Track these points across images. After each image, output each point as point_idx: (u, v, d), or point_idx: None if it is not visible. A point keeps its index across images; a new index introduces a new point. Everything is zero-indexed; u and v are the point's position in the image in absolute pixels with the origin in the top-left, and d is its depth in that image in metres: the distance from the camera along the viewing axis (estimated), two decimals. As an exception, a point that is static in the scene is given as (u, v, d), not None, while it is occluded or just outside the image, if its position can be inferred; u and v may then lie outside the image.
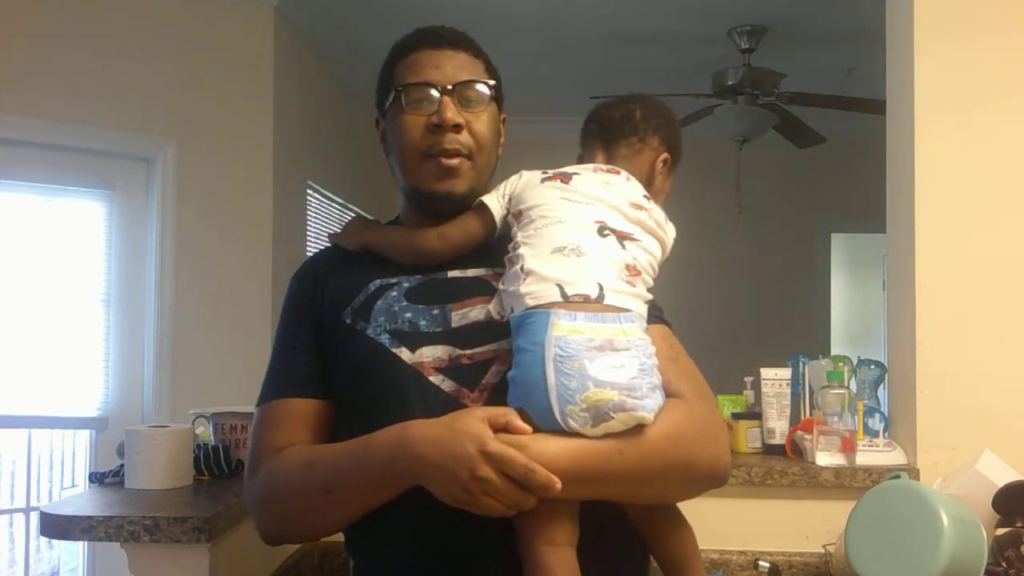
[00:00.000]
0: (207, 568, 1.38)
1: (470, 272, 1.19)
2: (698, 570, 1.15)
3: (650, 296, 1.13)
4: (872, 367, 2.05)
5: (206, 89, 3.45)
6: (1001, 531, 1.54)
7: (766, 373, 2.01)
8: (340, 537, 1.44)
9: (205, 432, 1.75)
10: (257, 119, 3.61)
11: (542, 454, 0.97)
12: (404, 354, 1.12)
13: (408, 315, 1.14)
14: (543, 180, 1.17)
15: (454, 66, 1.20)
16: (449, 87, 1.18)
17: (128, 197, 3.34)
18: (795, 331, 5.36)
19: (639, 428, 1.01)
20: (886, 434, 1.98)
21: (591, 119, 1.29)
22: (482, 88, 1.21)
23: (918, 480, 1.80)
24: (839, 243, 6.24)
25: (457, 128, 1.17)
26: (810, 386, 2.03)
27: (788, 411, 2.00)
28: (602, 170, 1.20)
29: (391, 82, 1.23)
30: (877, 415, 2.00)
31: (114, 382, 3.28)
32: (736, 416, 2.04)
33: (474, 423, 0.98)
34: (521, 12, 3.98)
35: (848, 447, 1.84)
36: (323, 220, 4.61)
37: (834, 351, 5.62)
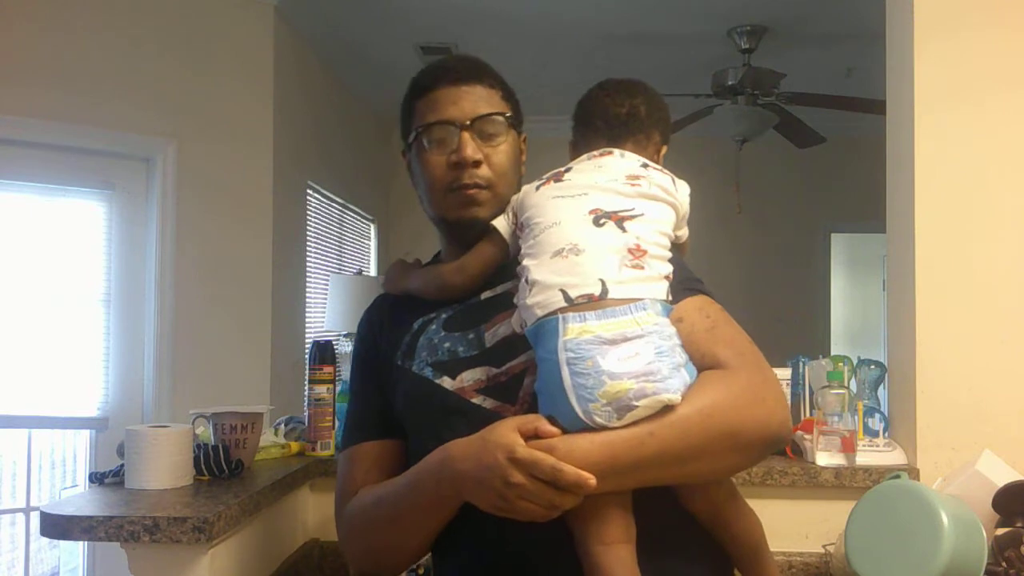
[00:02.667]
0: (207, 568, 1.38)
1: (499, 289, 1.24)
2: (766, 554, 1.17)
3: (667, 269, 1.11)
4: (872, 367, 2.05)
5: (206, 89, 3.45)
6: (1001, 531, 1.54)
7: (766, 373, 2.00)
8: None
9: (205, 432, 1.75)
10: (257, 119, 3.61)
11: (572, 452, 1.00)
12: (446, 382, 1.19)
13: (447, 345, 1.22)
14: (538, 187, 1.19)
15: (471, 101, 1.24)
16: (467, 123, 1.23)
17: (128, 197, 3.34)
18: (795, 331, 5.36)
19: (667, 409, 1.02)
20: (886, 434, 1.98)
21: (595, 114, 1.27)
22: (499, 120, 1.25)
23: (918, 480, 1.80)
24: (839, 243, 6.25)
25: (476, 164, 1.22)
26: (810, 386, 2.03)
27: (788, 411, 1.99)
28: (595, 155, 1.21)
29: (411, 121, 1.28)
30: (877, 415, 2.00)
31: (114, 382, 3.28)
32: (736, 416, 2.04)
33: (504, 433, 1.02)
34: (521, 12, 3.98)
35: (848, 447, 1.84)
36: (323, 220, 4.61)
37: (834, 351, 5.62)
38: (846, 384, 1.91)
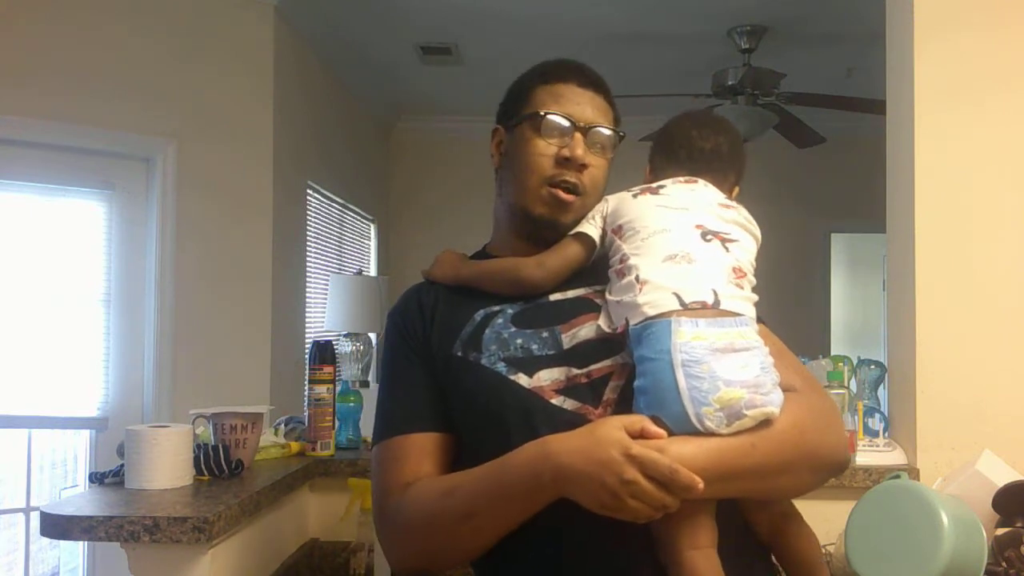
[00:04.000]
0: (207, 568, 1.38)
1: (570, 293, 1.23)
2: (823, 571, 1.19)
3: (756, 297, 1.15)
4: (872, 367, 2.05)
5: (206, 89, 3.45)
6: (1001, 531, 1.54)
7: (766, 373, 2.00)
8: (338, 536, 1.44)
9: (205, 432, 1.75)
10: (257, 119, 3.61)
11: (682, 455, 1.00)
12: (522, 380, 1.15)
13: (519, 341, 1.18)
14: (635, 196, 1.21)
15: (593, 107, 1.26)
16: (587, 126, 1.24)
17: (128, 197, 3.34)
18: (795, 331, 5.35)
19: (767, 423, 1.05)
20: (886, 434, 1.98)
21: (679, 144, 1.28)
22: (612, 136, 1.26)
23: (918, 480, 1.80)
24: (839, 243, 6.25)
25: (582, 167, 1.23)
26: (810, 386, 2.03)
27: (788, 411, 1.99)
28: (680, 181, 1.23)
29: (529, 102, 1.27)
30: (877, 415, 2.00)
31: (114, 382, 3.28)
32: (736, 416, 2.04)
33: (613, 431, 1.01)
34: (521, 12, 3.98)
35: (848, 447, 1.84)
36: (323, 220, 4.61)
37: (834, 351, 5.62)
38: (846, 384, 1.91)
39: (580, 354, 1.15)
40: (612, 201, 1.23)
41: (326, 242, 4.67)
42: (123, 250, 3.32)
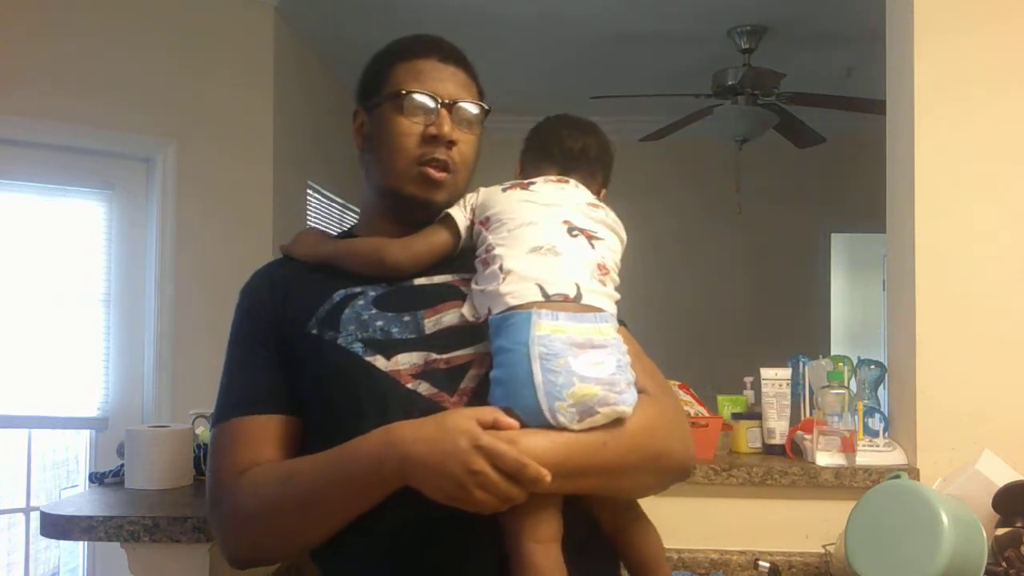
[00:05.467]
0: (207, 568, 1.38)
1: (436, 279, 1.20)
2: (666, 571, 1.18)
3: (618, 296, 1.15)
4: (872, 367, 2.05)
5: (206, 89, 3.45)
6: (1001, 531, 1.54)
7: (766, 373, 2.01)
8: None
9: (205, 432, 1.75)
10: (257, 119, 3.61)
11: (532, 448, 0.99)
12: (379, 362, 1.11)
13: (379, 323, 1.14)
14: (504, 190, 1.20)
15: (455, 83, 1.23)
16: (449, 102, 1.21)
17: (128, 197, 3.34)
18: (795, 331, 5.36)
19: (619, 421, 1.05)
20: (886, 434, 1.98)
21: (552, 143, 1.28)
22: (478, 111, 1.24)
23: (918, 480, 1.80)
24: (839, 243, 6.24)
25: (451, 144, 1.20)
26: (810, 386, 2.03)
27: (788, 411, 2.00)
28: (552, 180, 1.23)
29: (388, 81, 1.23)
30: (877, 415, 2.00)
31: (114, 382, 3.28)
32: (736, 416, 2.04)
33: (463, 420, 1.00)
34: (521, 11, 3.98)
35: (848, 447, 1.84)
36: (323, 220, 4.61)
37: (834, 351, 5.62)
38: (846, 384, 1.91)
39: (441, 340, 1.13)
40: (482, 193, 1.22)
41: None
42: (123, 250, 3.32)
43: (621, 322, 1.19)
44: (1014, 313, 1.87)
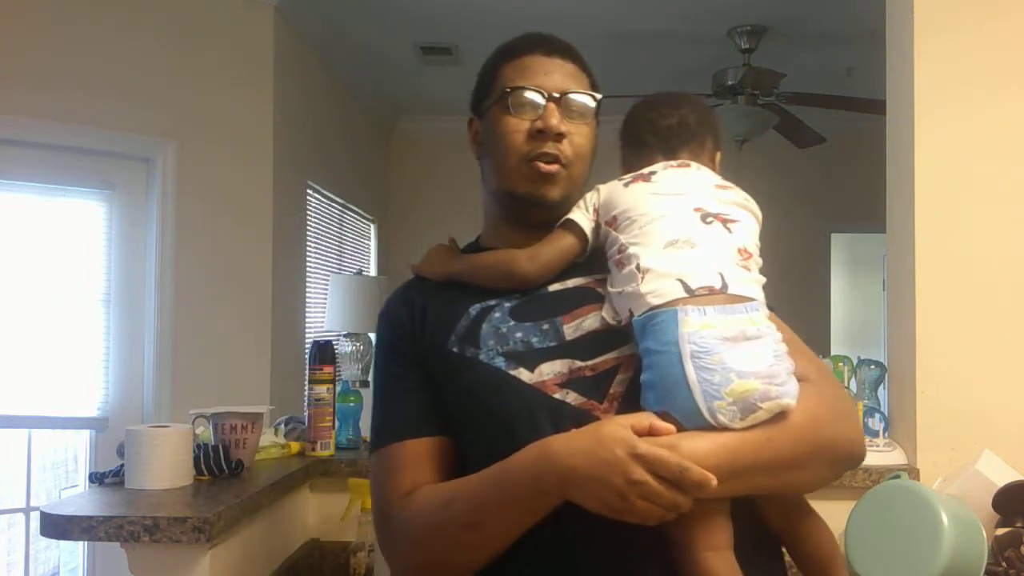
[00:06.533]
0: (207, 568, 1.38)
1: (570, 283, 1.17)
2: (840, 567, 1.14)
3: (764, 279, 1.10)
4: (872, 367, 2.05)
5: (206, 89, 3.45)
6: (1001, 531, 1.54)
7: (766, 373, 2.00)
8: (338, 536, 1.42)
9: (205, 432, 1.75)
10: (257, 119, 3.61)
11: (694, 452, 0.95)
12: (523, 375, 1.09)
13: (519, 335, 1.12)
14: (626, 184, 1.16)
15: (563, 75, 1.21)
16: (556, 95, 1.18)
17: (128, 197, 3.34)
18: (795, 331, 5.36)
19: (782, 415, 1.00)
20: (886, 434, 1.98)
21: (644, 129, 1.22)
22: (587, 100, 1.21)
23: (918, 480, 1.80)
24: (839, 243, 6.25)
25: (559, 137, 1.17)
26: (810, 386, 2.03)
27: (788, 411, 1.99)
28: (672, 166, 1.18)
29: (496, 83, 1.22)
30: (877, 415, 2.00)
31: (114, 382, 3.28)
32: (736, 416, 2.04)
33: (618, 429, 0.97)
34: (522, 12, 3.98)
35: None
36: (323, 220, 4.61)
37: (834, 351, 5.62)
38: (846, 384, 1.91)
39: (584, 346, 1.10)
40: (603, 191, 1.17)
41: (326, 242, 4.66)
42: (123, 250, 3.32)
43: (769, 307, 1.13)
44: (1014, 313, 1.87)
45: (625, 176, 1.18)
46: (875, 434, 1.96)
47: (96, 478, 1.59)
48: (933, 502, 1.37)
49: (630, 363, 1.08)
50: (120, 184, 3.32)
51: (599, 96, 1.22)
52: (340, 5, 3.96)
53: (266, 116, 3.63)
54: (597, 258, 1.16)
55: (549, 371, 1.09)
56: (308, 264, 4.25)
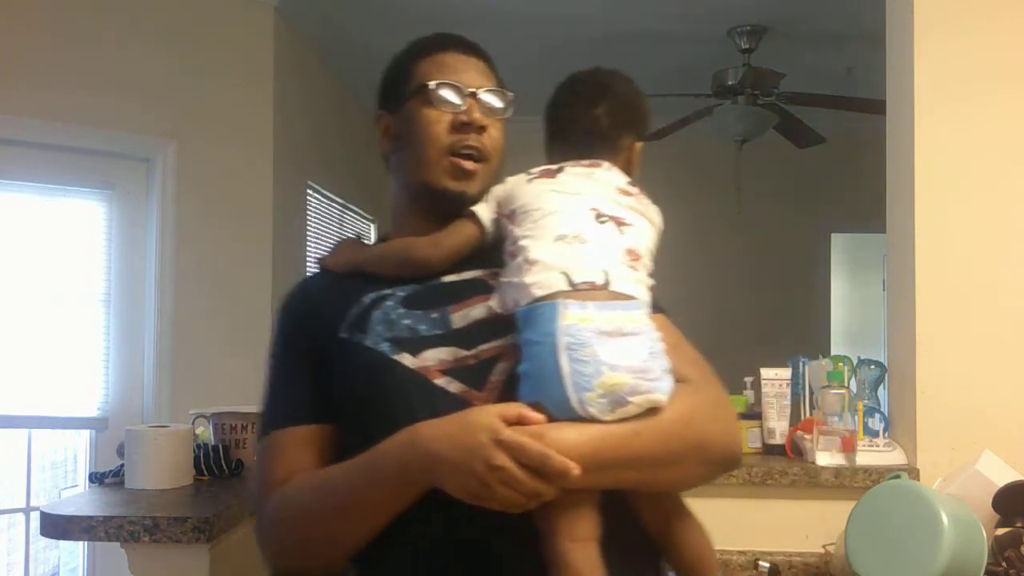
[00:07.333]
0: (207, 568, 1.38)
1: (466, 275, 1.19)
2: (713, 570, 1.14)
3: (651, 281, 1.12)
4: (872, 367, 2.05)
5: (206, 89, 3.45)
6: (1001, 531, 1.54)
7: (766, 373, 2.01)
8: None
9: (205, 432, 1.75)
10: (257, 119, 3.61)
11: (560, 441, 0.96)
12: (406, 359, 1.10)
13: (407, 322, 1.13)
14: (530, 180, 1.18)
15: (477, 72, 1.23)
16: (474, 91, 1.21)
17: (128, 197, 3.34)
18: (795, 331, 5.35)
19: (653, 411, 1.02)
20: (886, 434, 1.98)
21: (559, 126, 1.25)
22: (503, 97, 1.24)
23: (918, 480, 1.80)
24: (839, 243, 6.24)
25: (481, 130, 1.20)
26: (810, 386, 2.03)
27: (788, 411, 2.00)
28: (583, 165, 1.20)
29: (412, 78, 1.23)
30: (877, 415, 2.00)
31: (114, 382, 3.28)
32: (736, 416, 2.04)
33: (485, 416, 0.98)
34: (520, 11, 3.98)
35: (848, 447, 1.84)
36: (323, 220, 4.61)
37: (834, 351, 5.61)
38: (846, 384, 1.91)
39: (469, 335, 1.11)
40: (509, 184, 1.19)
41: (326, 242, 4.66)
42: (123, 250, 3.31)
43: (660, 310, 1.16)
44: (1014, 313, 1.87)
45: (533, 170, 1.20)
46: (875, 434, 1.96)
47: (96, 478, 1.60)
48: (933, 502, 1.37)
49: (512, 353, 1.09)
50: (120, 184, 3.32)
51: (512, 95, 1.25)
52: (340, 5, 3.96)
53: (266, 116, 3.63)
54: (496, 251, 1.17)
55: (432, 357, 1.10)
56: (308, 264, 4.25)
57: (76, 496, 1.68)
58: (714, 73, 4.33)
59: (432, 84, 1.20)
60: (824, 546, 1.81)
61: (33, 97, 3.05)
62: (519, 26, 4.13)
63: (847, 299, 6.75)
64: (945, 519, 1.35)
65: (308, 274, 1.31)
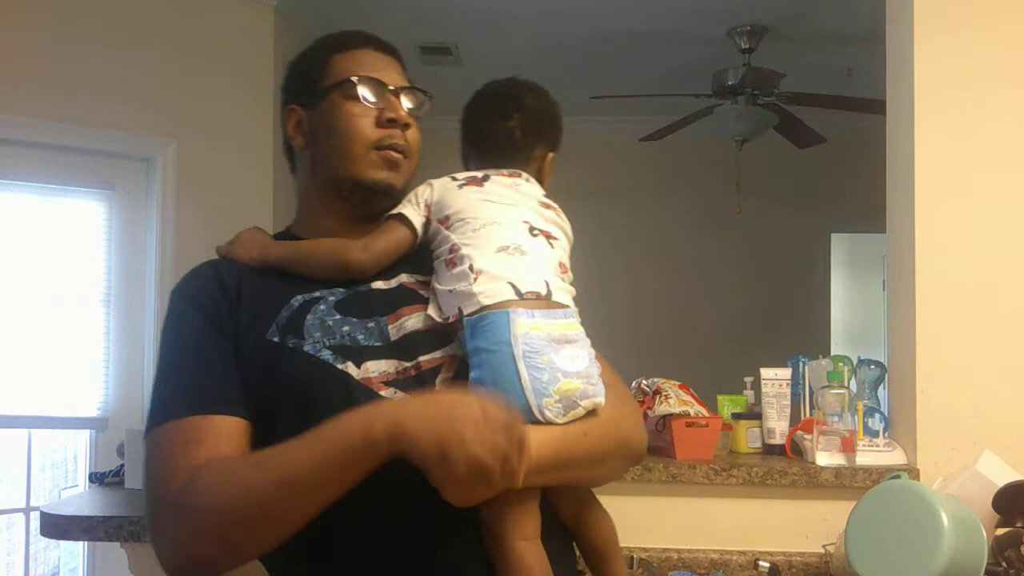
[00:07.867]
0: (207, 568, 1.38)
1: (393, 282, 1.18)
2: (619, 557, 1.21)
3: (575, 291, 1.17)
4: (872, 367, 2.05)
5: (206, 89, 3.45)
6: (1001, 531, 1.54)
7: (766, 373, 2.01)
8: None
9: (205, 432, 1.75)
10: (257, 119, 3.60)
11: (531, 442, 1.00)
12: (351, 369, 1.08)
13: (345, 328, 1.10)
14: (460, 186, 1.20)
15: (395, 72, 1.27)
16: (396, 89, 1.23)
17: (128, 197, 3.34)
18: (795, 331, 5.35)
19: (593, 412, 1.09)
20: (886, 434, 1.98)
21: (475, 135, 1.29)
22: (424, 98, 1.27)
23: (918, 480, 1.80)
24: (839, 243, 6.24)
25: (407, 126, 1.22)
26: (810, 386, 2.03)
27: (788, 411, 2.00)
28: (504, 174, 1.23)
29: (328, 73, 1.24)
30: (877, 415, 2.00)
31: (114, 382, 3.28)
32: (736, 416, 2.04)
33: (495, 408, 0.97)
34: (521, 12, 3.98)
35: (848, 447, 1.84)
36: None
37: (834, 351, 5.62)
38: (846, 384, 1.91)
39: (407, 346, 1.11)
40: (436, 188, 1.20)
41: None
42: (123, 250, 3.32)
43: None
44: (1014, 313, 1.87)
45: (459, 176, 1.22)
46: (875, 434, 1.96)
47: (96, 478, 1.60)
48: (933, 502, 1.37)
49: (451, 363, 1.11)
50: (120, 184, 3.32)
51: (430, 94, 1.28)
52: (340, 5, 3.96)
53: (266, 116, 3.62)
54: (420, 257, 1.19)
55: (375, 369, 1.09)
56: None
57: (76, 496, 1.68)
58: (714, 73, 4.33)
59: (355, 79, 1.21)
60: (824, 546, 1.81)
61: (33, 97, 3.05)
62: (520, 27, 4.13)
63: (847, 299, 6.75)
64: (945, 519, 1.35)
65: (208, 260, 1.24)
